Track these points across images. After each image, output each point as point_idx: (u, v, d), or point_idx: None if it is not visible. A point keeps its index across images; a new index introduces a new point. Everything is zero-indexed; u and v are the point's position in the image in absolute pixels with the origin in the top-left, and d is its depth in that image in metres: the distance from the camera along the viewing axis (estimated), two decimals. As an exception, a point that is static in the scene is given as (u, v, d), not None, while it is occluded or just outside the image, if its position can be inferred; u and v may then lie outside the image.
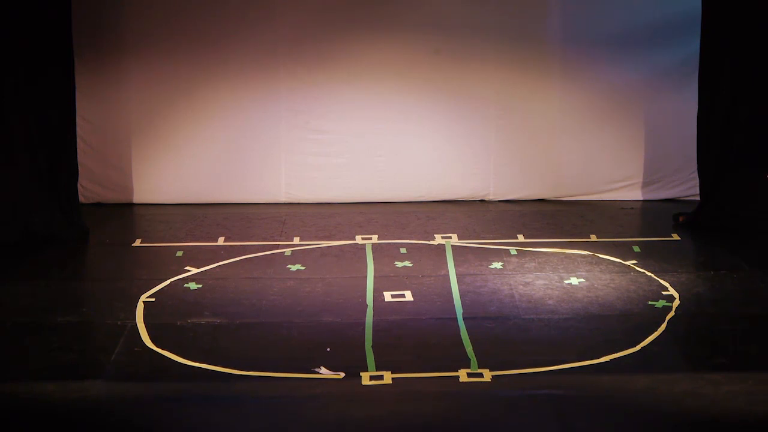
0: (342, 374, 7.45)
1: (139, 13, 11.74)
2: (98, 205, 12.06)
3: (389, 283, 9.42)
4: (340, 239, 10.78)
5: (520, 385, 7.30)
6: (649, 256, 10.11)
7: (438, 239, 10.73)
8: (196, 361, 7.69)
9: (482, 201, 12.31)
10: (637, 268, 9.72)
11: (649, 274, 9.56)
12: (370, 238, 10.78)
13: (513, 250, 10.32)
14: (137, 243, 10.73)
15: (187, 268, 9.83)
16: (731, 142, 10.93)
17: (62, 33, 10.55)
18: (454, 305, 8.83)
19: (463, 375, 7.44)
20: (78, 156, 11.15)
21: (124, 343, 8.04)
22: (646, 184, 12.27)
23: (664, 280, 9.37)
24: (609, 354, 7.75)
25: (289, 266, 9.90)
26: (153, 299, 9.01)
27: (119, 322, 8.46)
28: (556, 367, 7.55)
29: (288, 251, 10.39)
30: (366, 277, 9.60)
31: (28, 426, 6.84)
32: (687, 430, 6.78)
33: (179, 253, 10.30)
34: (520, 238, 10.74)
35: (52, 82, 10.58)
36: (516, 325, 8.42)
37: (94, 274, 10.16)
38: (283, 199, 12.24)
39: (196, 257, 10.16)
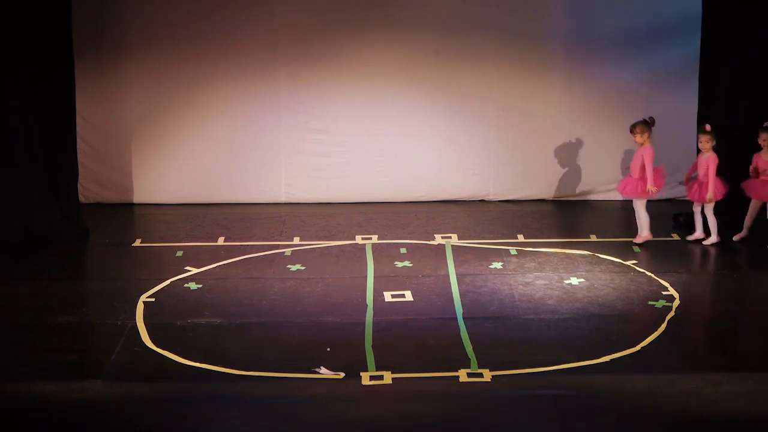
0: (342, 374, 7.45)
1: (139, 13, 11.74)
2: (98, 205, 12.06)
3: (389, 283, 9.41)
4: (340, 239, 10.77)
5: (520, 385, 7.30)
6: (649, 256, 10.10)
7: (438, 239, 10.73)
8: (196, 361, 7.69)
9: (482, 201, 12.31)
10: (637, 268, 9.71)
11: (649, 274, 9.55)
12: (370, 238, 10.77)
13: (513, 250, 10.31)
14: (137, 243, 10.73)
15: (187, 268, 9.82)
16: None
17: (62, 33, 10.56)
18: (454, 305, 8.82)
19: (463, 375, 7.44)
20: (78, 156, 11.16)
21: (124, 343, 8.04)
22: (646, 184, 12.25)
23: (664, 280, 9.37)
24: (609, 354, 7.74)
25: (289, 266, 9.89)
26: (153, 299, 9.01)
27: (119, 322, 8.46)
28: (556, 367, 7.55)
29: (288, 251, 10.38)
30: (366, 277, 9.59)
31: (28, 426, 6.85)
32: (687, 430, 6.78)
33: (179, 253, 10.29)
34: (520, 238, 10.73)
35: (52, 82, 10.58)
36: (516, 325, 8.41)
37: (94, 274, 10.16)
38: (283, 199, 12.23)
39: (196, 257, 10.16)
